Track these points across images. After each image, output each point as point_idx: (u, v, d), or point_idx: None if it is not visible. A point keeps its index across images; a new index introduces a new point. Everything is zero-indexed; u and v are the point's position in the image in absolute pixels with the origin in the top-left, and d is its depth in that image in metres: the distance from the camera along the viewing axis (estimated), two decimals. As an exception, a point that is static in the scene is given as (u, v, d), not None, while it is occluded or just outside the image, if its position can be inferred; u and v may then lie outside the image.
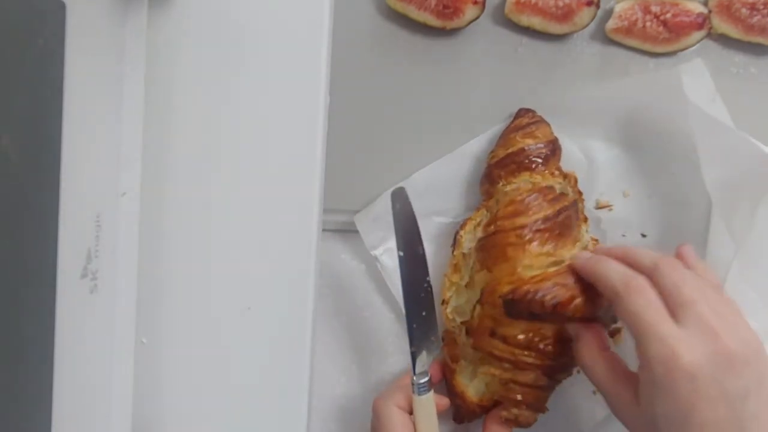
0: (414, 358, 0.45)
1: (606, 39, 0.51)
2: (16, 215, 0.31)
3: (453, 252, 0.49)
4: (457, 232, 0.49)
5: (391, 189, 0.47)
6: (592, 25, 0.51)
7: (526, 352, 0.43)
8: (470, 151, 0.52)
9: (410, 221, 0.46)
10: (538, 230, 0.44)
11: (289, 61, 0.44)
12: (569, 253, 0.44)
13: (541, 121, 0.49)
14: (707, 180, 0.47)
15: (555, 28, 0.50)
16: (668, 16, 0.50)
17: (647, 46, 0.51)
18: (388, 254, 0.52)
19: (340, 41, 0.47)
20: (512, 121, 0.50)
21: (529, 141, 0.48)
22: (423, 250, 0.46)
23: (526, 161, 0.47)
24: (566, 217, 0.45)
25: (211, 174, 0.44)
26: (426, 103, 0.52)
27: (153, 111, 0.43)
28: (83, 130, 0.36)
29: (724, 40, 0.51)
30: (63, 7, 0.34)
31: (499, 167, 0.48)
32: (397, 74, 0.52)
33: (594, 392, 0.51)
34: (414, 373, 0.45)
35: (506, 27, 0.52)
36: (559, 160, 0.49)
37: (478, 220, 0.48)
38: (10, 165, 0.30)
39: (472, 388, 0.48)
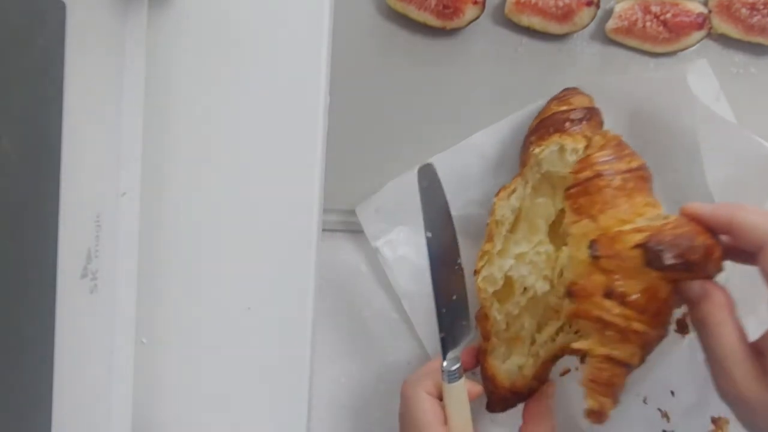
0: (444, 344, 0.43)
1: (606, 39, 0.51)
2: (16, 215, 0.31)
3: (488, 221, 0.47)
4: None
5: (419, 165, 0.44)
6: (592, 25, 0.51)
7: (638, 317, 0.38)
8: (475, 143, 0.51)
9: (439, 199, 0.43)
10: (640, 177, 0.41)
11: (289, 61, 0.44)
12: (661, 209, 0.41)
13: (580, 92, 0.48)
14: (710, 179, 0.47)
15: (555, 28, 0.50)
16: (668, 16, 0.50)
17: (647, 46, 0.51)
18: (389, 246, 0.52)
19: (340, 41, 0.47)
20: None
21: (564, 107, 0.47)
22: (453, 229, 0.44)
23: (557, 123, 0.46)
24: (651, 172, 0.43)
25: (210, 174, 0.44)
26: (426, 103, 0.52)
27: (153, 111, 0.43)
28: (83, 130, 0.36)
29: (724, 40, 0.51)
30: (63, 7, 0.34)
31: (532, 134, 0.47)
32: (397, 74, 0.52)
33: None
34: (444, 360, 0.43)
35: (506, 27, 0.52)
36: (597, 127, 0.46)
37: (513, 187, 0.47)
38: (10, 165, 0.30)
39: (503, 371, 0.45)
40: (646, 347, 0.39)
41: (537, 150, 0.45)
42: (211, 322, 0.45)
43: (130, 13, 0.41)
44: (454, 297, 0.44)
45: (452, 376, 0.43)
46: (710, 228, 0.38)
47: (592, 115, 0.46)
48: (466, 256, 0.48)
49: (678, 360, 0.47)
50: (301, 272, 0.44)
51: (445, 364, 0.43)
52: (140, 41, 0.41)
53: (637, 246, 0.37)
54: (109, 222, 0.40)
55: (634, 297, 0.38)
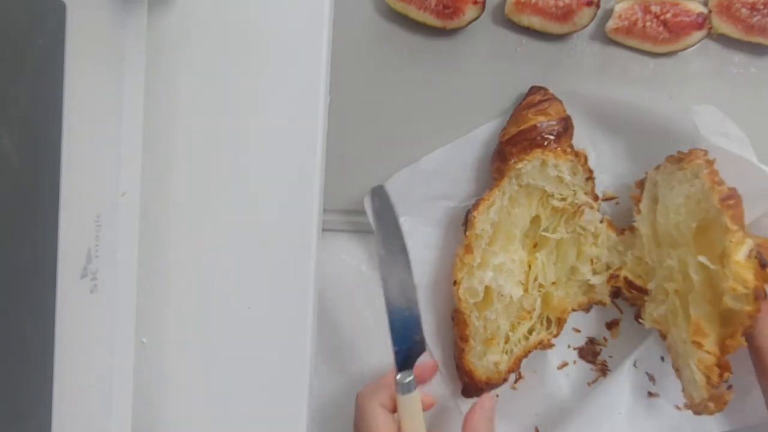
0: (397, 357, 0.45)
1: (606, 39, 0.51)
2: (16, 215, 0.31)
3: (465, 233, 0.49)
4: (468, 213, 0.49)
5: (372, 187, 0.46)
6: (592, 25, 0.51)
7: None
8: (479, 136, 0.52)
9: (391, 220, 0.45)
10: None
11: (289, 61, 0.44)
12: None
13: (554, 98, 0.49)
14: None
15: (555, 28, 0.50)
16: (668, 16, 0.50)
17: (647, 46, 0.51)
18: None
19: (340, 41, 0.47)
20: (524, 99, 0.50)
21: (542, 118, 0.48)
22: (405, 248, 0.45)
23: (538, 138, 0.47)
24: None
25: (210, 174, 0.44)
26: (426, 103, 0.52)
27: (153, 111, 0.43)
28: (83, 130, 0.36)
29: (724, 40, 0.51)
30: (63, 7, 0.34)
31: (511, 144, 0.48)
32: (397, 74, 0.52)
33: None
34: (397, 372, 0.45)
35: (506, 27, 0.52)
36: (571, 137, 0.49)
37: (491, 200, 0.48)
38: (10, 165, 0.30)
39: (480, 367, 0.49)
40: None
41: (520, 165, 0.47)
42: (211, 322, 0.45)
43: (130, 13, 0.41)
44: (407, 313, 0.46)
45: (406, 388, 0.44)
46: None
47: (567, 126, 0.48)
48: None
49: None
50: (301, 272, 0.44)
51: (398, 376, 0.45)
52: (140, 41, 0.41)
53: None
54: (109, 222, 0.40)
55: None
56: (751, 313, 0.40)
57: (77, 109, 0.35)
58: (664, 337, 0.47)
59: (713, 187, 0.43)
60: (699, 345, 0.42)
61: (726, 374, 0.41)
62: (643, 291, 0.48)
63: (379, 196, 0.46)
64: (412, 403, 0.45)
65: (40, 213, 0.33)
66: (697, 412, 0.43)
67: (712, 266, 0.42)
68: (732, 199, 0.42)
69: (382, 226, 0.45)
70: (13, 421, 0.32)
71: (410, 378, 0.45)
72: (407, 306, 0.46)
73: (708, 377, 0.41)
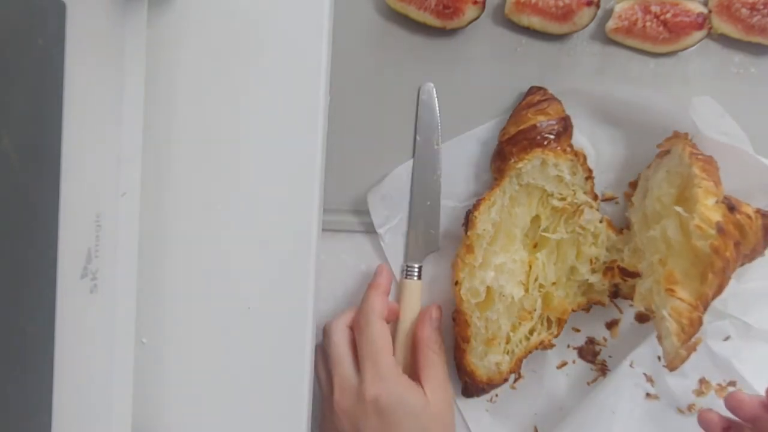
0: (408, 241, 0.47)
1: (606, 39, 0.51)
2: (16, 215, 0.31)
3: (466, 233, 0.49)
4: (469, 213, 0.49)
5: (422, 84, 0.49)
6: (592, 25, 0.51)
7: (735, 267, 0.44)
8: (479, 136, 0.52)
9: (434, 113, 0.49)
10: None
11: (289, 61, 0.44)
12: None
13: (553, 98, 0.49)
14: None
15: (555, 28, 0.50)
16: (668, 16, 0.50)
17: (647, 46, 0.51)
18: (391, 233, 0.53)
19: (340, 41, 0.47)
20: (524, 99, 0.50)
21: (541, 118, 0.48)
22: (439, 145, 0.48)
23: (538, 138, 0.47)
24: None
25: (211, 174, 0.44)
26: (426, 103, 0.52)
27: (153, 111, 0.43)
28: (83, 130, 0.36)
29: (724, 40, 0.51)
30: (63, 7, 0.33)
31: (511, 144, 0.48)
32: (397, 74, 0.52)
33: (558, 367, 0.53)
34: (407, 258, 0.47)
35: (506, 27, 0.52)
36: (570, 137, 0.49)
37: (492, 200, 0.48)
38: (10, 165, 0.30)
39: (481, 367, 0.49)
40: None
41: (520, 164, 0.47)
42: (211, 322, 0.45)
43: (130, 13, 0.41)
44: (428, 203, 0.48)
45: (410, 274, 0.48)
46: None
47: (566, 125, 0.49)
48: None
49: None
50: (301, 272, 0.44)
51: (407, 261, 0.48)
52: (140, 41, 0.41)
53: (759, 212, 0.44)
54: (109, 222, 0.40)
55: (745, 252, 0.43)
56: (717, 248, 0.41)
57: (77, 109, 0.35)
58: (652, 312, 0.46)
59: (685, 148, 0.44)
60: (671, 292, 0.42)
61: (697, 314, 0.41)
62: (636, 275, 0.48)
63: (428, 91, 0.49)
64: (413, 289, 0.48)
65: (40, 213, 0.33)
66: (672, 367, 0.43)
67: (685, 213, 0.43)
68: (702, 155, 0.43)
69: (424, 114, 0.48)
70: (13, 420, 0.32)
71: (417, 265, 0.48)
72: (430, 197, 0.48)
73: (681, 325, 0.42)
